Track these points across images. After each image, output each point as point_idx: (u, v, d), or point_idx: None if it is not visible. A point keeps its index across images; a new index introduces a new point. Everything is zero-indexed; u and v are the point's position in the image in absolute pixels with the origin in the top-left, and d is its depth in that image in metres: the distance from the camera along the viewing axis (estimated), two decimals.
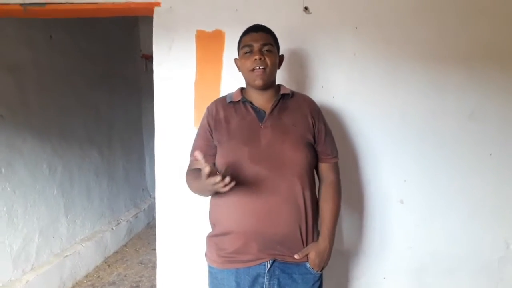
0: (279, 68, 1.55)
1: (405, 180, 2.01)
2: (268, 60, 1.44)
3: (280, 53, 1.57)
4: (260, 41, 1.45)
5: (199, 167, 1.41)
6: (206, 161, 1.24)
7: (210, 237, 1.52)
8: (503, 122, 1.97)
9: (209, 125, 1.51)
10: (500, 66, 1.93)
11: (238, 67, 1.55)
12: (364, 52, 1.93)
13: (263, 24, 1.53)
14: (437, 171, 1.99)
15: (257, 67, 1.43)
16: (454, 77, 1.93)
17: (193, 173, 1.51)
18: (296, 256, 1.43)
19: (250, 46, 1.45)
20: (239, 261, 1.43)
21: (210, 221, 1.53)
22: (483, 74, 1.93)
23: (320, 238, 1.49)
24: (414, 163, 1.99)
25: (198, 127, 1.60)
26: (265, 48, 1.45)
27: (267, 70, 1.44)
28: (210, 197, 1.52)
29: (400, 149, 1.98)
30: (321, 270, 1.49)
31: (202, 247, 1.57)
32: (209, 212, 1.53)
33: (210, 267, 1.51)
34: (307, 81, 1.97)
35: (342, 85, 1.96)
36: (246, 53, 1.46)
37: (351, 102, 1.97)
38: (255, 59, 1.42)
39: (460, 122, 1.96)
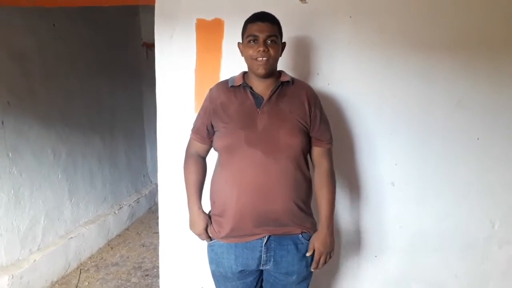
0: (280, 55, 1.58)
1: (396, 164, 2.10)
2: (271, 51, 1.47)
3: (283, 41, 1.59)
4: (265, 32, 1.46)
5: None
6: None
7: (211, 215, 1.62)
8: (489, 110, 2.04)
9: (210, 108, 1.59)
10: (487, 56, 1.99)
11: (240, 51, 1.58)
12: (358, 41, 2.00)
13: (269, 12, 1.54)
14: (426, 155, 2.08)
15: (260, 58, 1.47)
16: (443, 66, 2.00)
17: (192, 168, 1.65)
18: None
19: (255, 36, 1.48)
20: (237, 236, 1.53)
21: (210, 199, 1.62)
22: (471, 63, 2.00)
23: (319, 226, 1.58)
24: (405, 148, 2.08)
25: (197, 113, 1.69)
26: (270, 39, 1.47)
27: (270, 60, 1.48)
28: (211, 177, 1.63)
29: (392, 134, 2.06)
30: (330, 257, 1.59)
31: None
32: (210, 191, 1.62)
33: (210, 242, 1.61)
34: (303, 67, 2.05)
35: (337, 73, 2.04)
36: (250, 41, 1.49)
37: (346, 89, 2.04)
38: (259, 51, 1.46)
39: (448, 109, 2.03)
